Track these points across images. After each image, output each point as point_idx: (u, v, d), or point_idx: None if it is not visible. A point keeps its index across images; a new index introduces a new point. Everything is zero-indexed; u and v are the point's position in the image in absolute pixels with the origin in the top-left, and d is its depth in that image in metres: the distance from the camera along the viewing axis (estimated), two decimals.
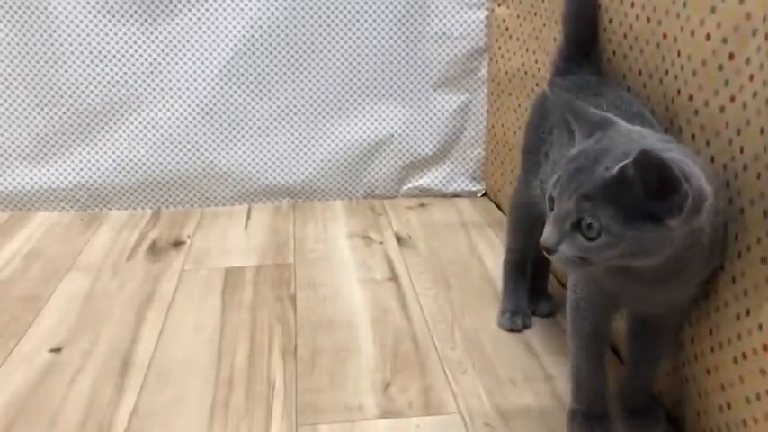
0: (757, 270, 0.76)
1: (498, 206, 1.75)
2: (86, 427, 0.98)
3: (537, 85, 1.49)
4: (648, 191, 0.69)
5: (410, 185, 1.81)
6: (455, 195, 1.82)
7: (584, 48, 1.10)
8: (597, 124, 0.78)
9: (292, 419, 0.99)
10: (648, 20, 0.98)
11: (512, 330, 1.20)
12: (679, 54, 0.92)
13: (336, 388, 1.06)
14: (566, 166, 0.75)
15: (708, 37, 0.85)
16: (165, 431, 0.97)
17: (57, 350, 1.17)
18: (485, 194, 1.82)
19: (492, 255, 1.49)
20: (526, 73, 1.54)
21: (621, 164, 0.70)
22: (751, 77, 0.78)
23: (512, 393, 1.04)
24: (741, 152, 0.80)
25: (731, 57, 0.81)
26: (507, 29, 1.61)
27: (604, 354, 0.94)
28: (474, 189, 1.81)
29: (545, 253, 0.75)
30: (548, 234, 0.75)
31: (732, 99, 0.82)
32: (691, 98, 0.90)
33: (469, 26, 1.69)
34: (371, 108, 1.74)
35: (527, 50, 1.53)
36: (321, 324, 1.23)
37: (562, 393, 1.03)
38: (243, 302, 1.31)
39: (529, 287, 1.20)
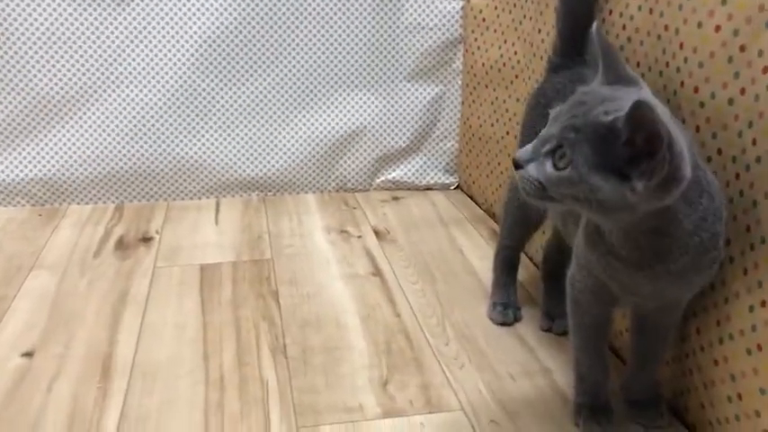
0: None
1: (472, 198, 1.74)
2: None
3: (516, 77, 1.48)
4: (631, 149, 0.69)
5: (383, 178, 1.78)
6: (428, 188, 1.80)
7: (578, 44, 1.09)
8: (624, 79, 0.77)
9: (292, 421, 0.95)
10: (651, 11, 0.98)
11: (503, 324, 1.19)
12: (682, 46, 0.92)
13: (333, 387, 1.03)
14: (572, 98, 0.76)
15: (717, 29, 0.85)
16: None
17: (28, 354, 1.10)
18: (458, 187, 1.81)
19: (472, 247, 1.48)
20: (504, 65, 1.53)
21: (617, 114, 0.70)
22: (764, 70, 0.79)
23: (512, 388, 1.03)
24: (754, 144, 0.80)
25: (742, 49, 0.82)
26: (484, 20, 1.59)
27: (605, 347, 0.94)
28: (447, 182, 1.80)
29: (513, 167, 0.76)
30: (524, 150, 0.76)
31: (742, 91, 0.82)
32: (696, 90, 0.90)
33: (445, 17, 1.67)
34: (344, 99, 1.71)
35: (505, 42, 1.52)
36: (308, 321, 1.20)
37: (562, 386, 1.03)
38: (223, 300, 1.26)
39: (547, 304, 1.18)
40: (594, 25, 0.84)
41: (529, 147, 0.75)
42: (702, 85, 0.88)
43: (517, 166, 0.75)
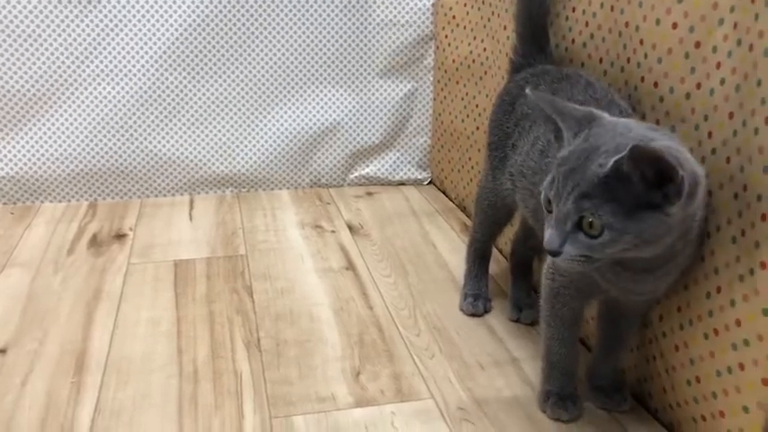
0: (728, 249, 0.80)
1: (444, 193, 1.76)
2: (47, 429, 0.93)
3: (485, 73, 1.51)
4: (645, 181, 0.71)
5: (356, 174, 1.80)
6: (401, 183, 1.82)
7: (537, 43, 1.13)
8: (582, 121, 0.79)
9: (265, 412, 0.97)
10: (612, 9, 1.01)
11: (474, 315, 1.21)
12: (642, 42, 0.95)
13: (306, 378, 1.04)
14: (558, 168, 0.76)
15: (674, 26, 0.88)
16: (133, 429, 0.93)
17: (2, 351, 1.10)
18: (430, 182, 1.83)
19: (444, 241, 1.50)
20: (474, 61, 1.56)
21: (614, 158, 0.72)
22: (718, 65, 0.82)
23: (481, 377, 1.05)
24: (709, 137, 0.83)
25: (697, 45, 0.85)
26: (454, 17, 1.62)
27: (578, 337, 0.97)
28: (420, 177, 1.82)
29: (549, 256, 0.76)
30: (550, 236, 0.75)
31: (698, 86, 0.85)
32: (656, 85, 0.93)
33: (416, 13, 1.69)
34: (317, 95, 1.72)
35: (474, 38, 1.55)
36: (282, 315, 1.21)
37: (530, 375, 1.05)
38: (197, 295, 1.27)
39: (515, 295, 1.21)
40: (528, 90, 0.85)
41: (551, 232, 0.75)
42: (661, 81, 0.91)
43: (554, 254, 0.75)
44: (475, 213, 1.23)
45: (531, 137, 1.00)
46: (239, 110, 1.70)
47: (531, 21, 1.13)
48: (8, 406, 0.97)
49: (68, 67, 1.58)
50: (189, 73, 1.64)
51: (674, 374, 0.91)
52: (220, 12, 1.61)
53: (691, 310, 0.86)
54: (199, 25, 1.61)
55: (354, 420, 0.96)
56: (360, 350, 1.12)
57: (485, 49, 1.50)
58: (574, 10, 1.10)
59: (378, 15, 1.69)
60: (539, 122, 1.00)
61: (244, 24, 1.63)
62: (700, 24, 0.84)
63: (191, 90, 1.66)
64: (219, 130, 1.70)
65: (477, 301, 1.21)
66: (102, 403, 0.98)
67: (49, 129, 1.62)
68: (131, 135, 1.65)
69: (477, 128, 1.56)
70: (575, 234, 0.74)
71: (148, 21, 1.59)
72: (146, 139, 1.66)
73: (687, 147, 0.83)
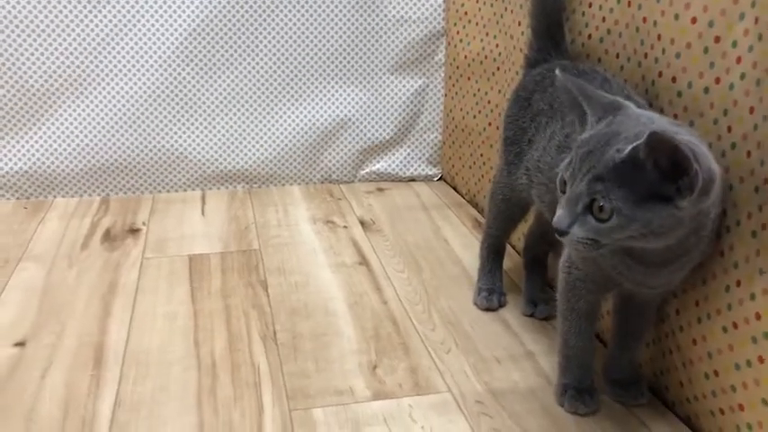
0: (748, 243, 0.80)
1: (455, 189, 1.77)
2: (67, 421, 0.94)
3: (497, 69, 1.51)
4: (659, 172, 0.71)
5: (367, 170, 1.80)
6: (412, 179, 1.83)
7: (553, 38, 1.13)
8: (608, 107, 0.80)
9: (284, 404, 0.97)
10: (629, 4, 1.01)
11: (488, 309, 1.21)
12: (660, 37, 0.95)
13: (323, 372, 1.05)
14: (577, 150, 0.77)
15: (693, 21, 0.88)
16: (153, 421, 0.94)
17: (21, 344, 1.11)
18: (441, 178, 1.84)
19: (456, 237, 1.51)
20: (486, 57, 1.56)
21: (632, 145, 0.72)
22: (738, 60, 0.82)
23: (497, 371, 1.06)
24: (729, 131, 0.84)
25: (717, 40, 0.85)
26: (466, 13, 1.62)
27: (594, 330, 0.97)
28: (431, 173, 1.83)
29: (557, 235, 0.77)
30: (560, 216, 0.76)
31: (717, 81, 0.85)
32: (674, 80, 0.93)
33: (427, 9, 1.70)
34: (328, 91, 1.73)
35: (486, 35, 1.55)
36: (297, 309, 1.22)
37: (546, 369, 1.06)
38: (212, 289, 1.28)
39: (529, 290, 1.21)
40: (558, 71, 0.86)
41: (562, 212, 0.76)
42: (680, 75, 0.92)
43: (561, 233, 0.76)
44: (489, 209, 1.23)
45: (548, 132, 1.01)
46: (251, 106, 1.70)
47: (547, 16, 1.13)
48: (29, 399, 0.98)
49: (81, 62, 1.59)
50: (201, 69, 1.65)
51: (691, 368, 0.92)
52: (232, 8, 1.62)
53: (709, 303, 0.87)
54: (210, 21, 1.61)
55: (373, 413, 0.96)
56: (376, 344, 1.12)
57: (497, 45, 1.51)
58: (590, 5, 1.11)
59: (389, 11, 1.69)
60: (556, 118, 1.01)
61: (255, 20, 1.64)
62: (720, 19, 0.84)
63: (202, 86, 1.66)
64: (231, 126, 1.71)
65: (491, 295, 1.22)
66: (121, 396, 0.99)
67: (61, 124, 1.62)
68: (143, 131, 1.66)
69: (489, 124, 1.56)
70: (584, 216, 0.75)
71: (160, 17, 1.59)
72: (158, 134, 1.67)
73: (706, 142, 0.84)
